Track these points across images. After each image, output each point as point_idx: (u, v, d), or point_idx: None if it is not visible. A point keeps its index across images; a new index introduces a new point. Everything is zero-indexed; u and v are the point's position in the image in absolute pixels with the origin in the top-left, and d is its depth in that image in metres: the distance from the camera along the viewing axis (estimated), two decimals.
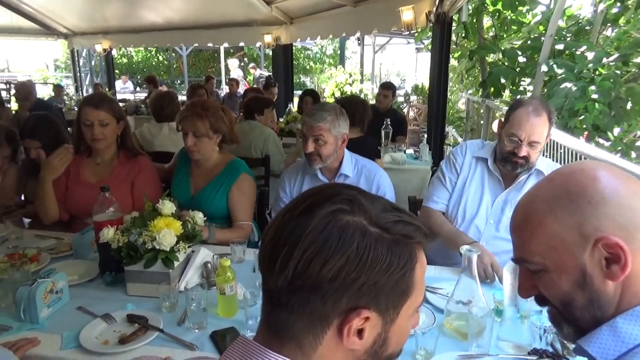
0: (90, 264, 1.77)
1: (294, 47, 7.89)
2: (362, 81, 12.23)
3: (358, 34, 7.81)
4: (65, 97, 8.44)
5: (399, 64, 18.57)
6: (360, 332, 0.61)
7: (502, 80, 5.81)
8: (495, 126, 5.13)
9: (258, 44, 8.23)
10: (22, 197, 2.62)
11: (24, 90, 5.12)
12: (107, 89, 8.50)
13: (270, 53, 8.94)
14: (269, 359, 0.61)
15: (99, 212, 1.67)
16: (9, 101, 8.41)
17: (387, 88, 4.88)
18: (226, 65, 13.45)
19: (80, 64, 10.17)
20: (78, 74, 10.20)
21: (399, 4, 4.50)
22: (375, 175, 2.11)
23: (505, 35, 7.00)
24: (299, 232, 0.59)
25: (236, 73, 11.20)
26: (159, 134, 3.43)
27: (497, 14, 6.62)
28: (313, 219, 0.60)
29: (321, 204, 0.61)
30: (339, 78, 11.55)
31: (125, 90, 11.58)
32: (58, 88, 8.64)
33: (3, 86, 10.97)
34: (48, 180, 2.11)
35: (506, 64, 6.24)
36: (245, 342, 0.65)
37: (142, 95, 9.37)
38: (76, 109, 6.84)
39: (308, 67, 17.38)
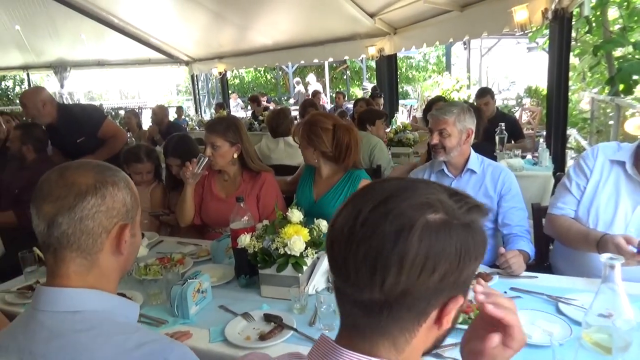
0: (227, 267, 1.95)
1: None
2: (469, 86, 11.82)
3: (466, 39, 7.60)
4: (187, 118, 9.29)
5: (508, 65, 17.63)
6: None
7: (635, 77, 5.25)
8: (630, 126, 4.66)
9: (361, 57, 8.37)
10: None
11: (160, 113, 5.76)
12: (222, 109, 9.20)
13: (374, 64, 9.07)
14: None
15: (235, 221, 1.84)
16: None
17: (484, 95, 4.61)
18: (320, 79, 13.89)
19: (199, 87, 11.13)
20: (197, 97, 11.17)
21: (511, 4, 4.32)
22: (500, 173, 2.11)
23: (635, 27, 6.35)
24: (401, 249, 0.58)
25: (315, 87, 11.50)
26: (275, 149, 3.66)
27: (626, 3, 6.03)
28: (406, 231, 0.59)
29: (405, 210, 0.60)
30: (445, 85, 11.28)
31: (236, 107, 12.43)
32: (179, 110, 9.54)
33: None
34: (191, 185, 2.33)
35: (638, 57, 5.65)
36: (327, 343, 0.67)
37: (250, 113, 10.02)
38: (197, 129, 7.52)
39: (410, 76, 17.22)
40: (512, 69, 17.39)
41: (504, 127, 3.71)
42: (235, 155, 2.34)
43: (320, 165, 2.29)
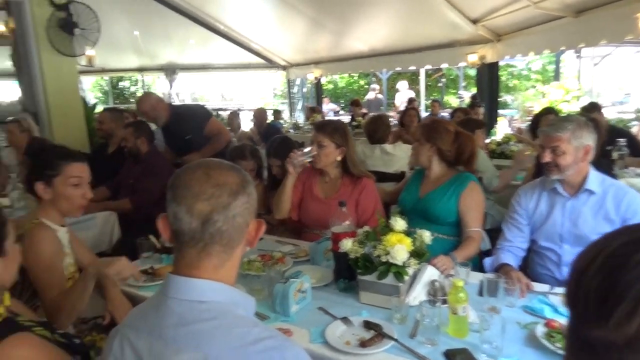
0: (325, 270, 1.97)
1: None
2: (578, 98, 10.97)
3: (581, 46, 7.06)
4: (282, 121, 9.61)
5: (622, 75, 16.11)
6: None
7: None
8: None
9: (460, 64, 8.12)
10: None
11: (260, 116, 6.02)
12: (316, 113, 9.38)
13: (472, 72, 8.76)
14: None
15: (336, 224, 1.85)
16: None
17: (592, 110, 4.12)
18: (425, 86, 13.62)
19: (294, 91, 11.47)
20: (292, 100, 11.52)
21: (636, 9, 3.95)
22: (625, 194, 1.91)
23: None
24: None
25: (406, 95, 11.15)
26: (372, 155, 3.65)
27: None
28: None
29: None
30: (553, 95, 10.54)
31: (329, 111, 12.60)
32: (277, 113, 9.88)
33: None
34: (292, 175, 2.36)
35: None
36: None
37: (344, 118, 10.09)
38: (291, 131, 7.73)
39: (511, 85, 16.36)
40: (628, 79, 15.88)
41: (623, 143, 3.39)
42: (339, 158, 2.38)
43: (431, 164, 2.31)
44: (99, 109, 6.41)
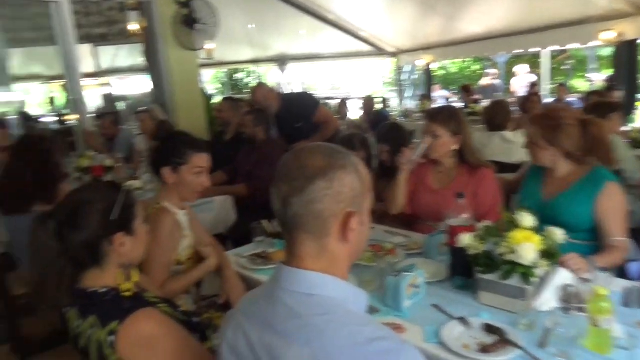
0: (439, 265, 1.85)
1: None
2: None
3: None
4: (390, 108, 9.44)
5: None
6: None
7: None
8: None
9: (591, 43, 7.28)
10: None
11: (369, 104, 5.97)
12: (426, 100, 9.05)
13: (604, 52, 7.80)
14: None
15: (453, 217, 1.73)
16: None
17: None
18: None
19: (404, 78, 11.18)
20: (401, 88, 11.25)
21: None
22: None
23: None
24: None
25: (526, 79, 10.06)
26: (489, 144, 3.40)
27: None
28: None
29: None
30: None
31: (439, 98, 12.10)
32: (384, 101, 9.74)
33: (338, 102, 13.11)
34: (405, 171, 2.27)
35: None
36: None
37: (455, 105, 9.61)
38: (400, 119, 7.56)
39: None
40: None
41: None
42: (456, 147, 2.22)
43: (557, 165, 2.00)
44: (217, 99, 6.82)
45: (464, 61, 17.11)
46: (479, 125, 3.68)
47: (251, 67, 15.84)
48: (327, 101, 10.18)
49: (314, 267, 0.90)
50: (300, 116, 3.94)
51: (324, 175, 0.88)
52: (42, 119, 9.00)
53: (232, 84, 17.59)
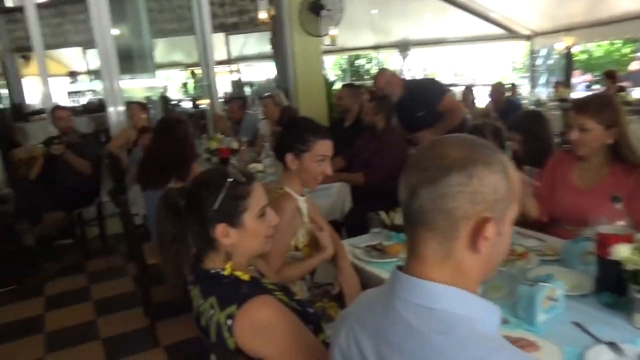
0: (582, 276, 1.62)
1: None
2: None
3: None
4: (519, 97, 8.70)
5: None
6: None
7: None
8: None
9: None
10: None
11: (498, 91, 5.56)
12: (563, 87, 8.17)
13: None
14: None
15: (604, 223, 1.48)
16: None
17: None
18: None
19: (537, 63, 10.24)
20: (534, 74, 10.33)
21: None
22: None
23: None
24: None
25: None
26: None
27: None
28: None
29: None
30: None
31: (579, 84, 10.86)
32: (513, 87, 8.99)
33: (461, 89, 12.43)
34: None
35: None
36: None
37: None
38: (532, 107, 6.90)
39: None
40: None
41: None
42: (609, 141, 1.92)
43: None
44: (337, 86, 6.86)
45: (612, 43, 15.13)
46: (634, 116, 3.17)
47: (372, 53, 15.71)
48: (451, 88, 9.70)
49: (437, 276, 0.79)
50: (424, 104, 3.77)
51: (462, 168, 0.76)
52: (180, 103, 9.86)
53: (353, 70, 17.66)
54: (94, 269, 4.15)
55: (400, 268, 0.84)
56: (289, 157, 1.86)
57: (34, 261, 4.06)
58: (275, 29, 5.86)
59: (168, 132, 2.89)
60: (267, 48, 7.19)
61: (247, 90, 10.25)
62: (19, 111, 8.19)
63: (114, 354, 2.84)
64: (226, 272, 1.21)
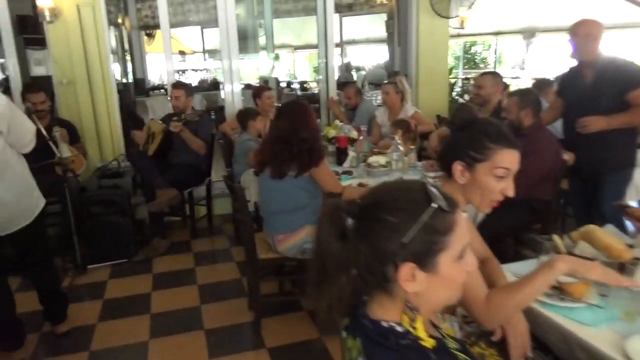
0: None
1: None
2: None
3: None
4: None
5: None
6: None
7: None
8: None
9: None
10: None
11: None
12: None
13: None
14: None
15: None
16: None
17: None
18: None
19: None
20: None
21: None
22: None
23: None
24: None
25: None
26: None
27: None
28: None
29: None
30: None
31: None
32: None
33: None
34: None
35: None
36: None
37: None
38: None
39: None
40: None
41: None
42: None
43: None
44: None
45: None
46: None
47: (492, 40, 14.54)
48: None
49: None
50: (618, 85, 2.92)
51: None
52: (290, 85, 9.79)
53: (468, 58, 16.51)
54: (200, 249, 4.10)
55: None
56: (458, 167, 1.45)
57: (146, 236, 4.11)
58: (398, 9, 5.41)
59: (300, 116, 2.58)
60: (377, 31, 6.75)
61: (359, 74, 9.91)
62: (141, 86, 8.62)
63: (216, 348, 2.68)
64: (403, 329, 0.86)
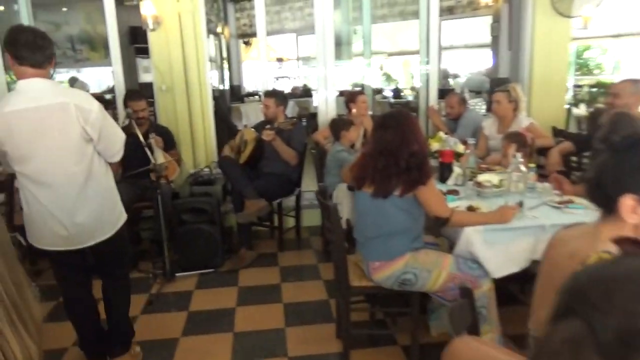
0: None
1: None
2: None
3: None
4: None
5: None
6: None
7: None
8: None
9: None
10: None
11: None
12: None
13: None
14: None
15: None
16: None
17: None
18: None
19: None
20: None
21: None
22: None
23: None
24: None
25: None
26: None
27: None
28: None
29: None
30: None
31: None
32: None
33: None
34: None
35: None
36: None
37: None
38: None
39: None
40: None
41: None
42: None
43: None
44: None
45: None
46: None
47: (607, 44, 13.09)
48: None
49: None
50: None
51: None
52: (382, 93, 9.47)
53: (581, 62, 15.05)
54: (287, 263, 3.92)
55: None
56: (628, 202, 1.08)
57: (233, 245, 4.02)
58: (510, 10, 4.90)
59: (409, 128, 2.25)
60: (477, 35, 6.22)
61: (455, 82, 9.33)
62: (236, 92, 8.79)
63: None
64: None
